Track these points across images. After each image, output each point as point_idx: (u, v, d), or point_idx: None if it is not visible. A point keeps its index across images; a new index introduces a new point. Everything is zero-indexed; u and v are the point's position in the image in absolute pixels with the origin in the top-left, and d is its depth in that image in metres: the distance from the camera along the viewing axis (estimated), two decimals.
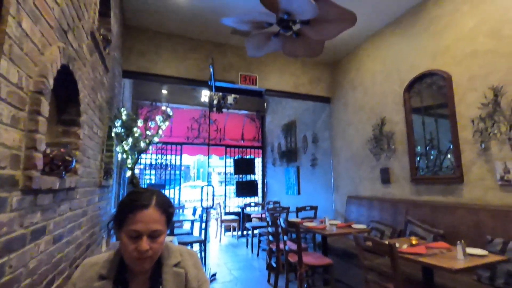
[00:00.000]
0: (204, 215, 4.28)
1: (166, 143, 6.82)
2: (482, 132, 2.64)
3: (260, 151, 8.06)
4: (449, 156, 3.00)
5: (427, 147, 3.27)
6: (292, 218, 4.54)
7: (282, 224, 3.12)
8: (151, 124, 3.26)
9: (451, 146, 2.94)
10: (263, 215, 5.84)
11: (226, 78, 4.33)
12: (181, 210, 5.98)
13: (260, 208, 6.53)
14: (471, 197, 2.75)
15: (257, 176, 7.81)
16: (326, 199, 5.12)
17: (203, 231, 4.24)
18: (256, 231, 5.14)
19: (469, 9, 2.83)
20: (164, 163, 6.85)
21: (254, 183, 7.47)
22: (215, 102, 5.16)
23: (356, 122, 4.40)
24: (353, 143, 4.44)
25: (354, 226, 3.30)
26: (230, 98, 5.38)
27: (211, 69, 3.81)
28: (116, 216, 0.89)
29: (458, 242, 1.92)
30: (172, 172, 6.95)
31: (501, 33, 2.55)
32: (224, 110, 5.49)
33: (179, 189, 7.10)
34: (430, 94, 3.27)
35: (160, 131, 3.28)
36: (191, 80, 4.19)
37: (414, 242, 2.22)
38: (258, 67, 4.57)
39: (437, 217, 2.95)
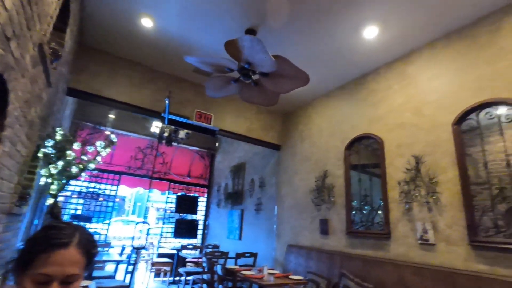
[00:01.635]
0: (134, 255, 3.83)
1: (103, 171, 6.21)
2: (406, 193, 2.98)
3: (206, 190, 7.82)
4: (379, 212, 3.27)
5: (362, 202, 3.54)
6: (231, 264, 4.33)
7: (219, 271, 2.94)
8: (89, 148, 2.98)
9: (382, 204, 3.23)
10: (200, 260, 5.46)
11: (181, 112, 4.30)
12: (106, 249, 5.27)
13: (198, 251, 6.11)
14: (396, 253, 2.97)
15: (199, 216, 7.45)
16: (267, 246, 5.04)
17: (128, 275, 3.75)
18: (190, 278, 4.73)
19: (399, 88, 3.38)
20: (96, 192, 6.15)
21: (194, 224, 7.07)
22: (165, 134, 5.01)
23: (302, 171, 4.62)
24: (298, 192, 4.61)
25: (292, 277, 3.27)
26: (182, 133, 5.28)
27: (166, 102, 3.77)
28: (22, 255, 0.72)
29: None
30: (104, 203, 6.25)
31: (422, 112, 3.06)
32: (174, 143, 5.33)
33: (109, 224, 6.35)
34: (366, 154, 3.66)
35: (98, 158, 3.01)
36: (144, 109, 4.06)
37: None
38: (215, 107, 4.66)
39: (368, 271, 3.09)
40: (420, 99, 3.12)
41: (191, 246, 6.05)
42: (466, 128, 2.66)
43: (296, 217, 4.52)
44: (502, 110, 2.46)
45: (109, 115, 5.90)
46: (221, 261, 4.57)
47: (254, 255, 4.60)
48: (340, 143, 4.00)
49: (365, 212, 3.49)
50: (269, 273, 3.27)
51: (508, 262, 2.21)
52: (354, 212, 3.59)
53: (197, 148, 7.71)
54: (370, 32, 3.07)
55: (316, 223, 4.07)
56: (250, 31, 3.10)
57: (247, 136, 4.99)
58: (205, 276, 3.33)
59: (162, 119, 4.26)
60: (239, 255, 4.43)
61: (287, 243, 4.53)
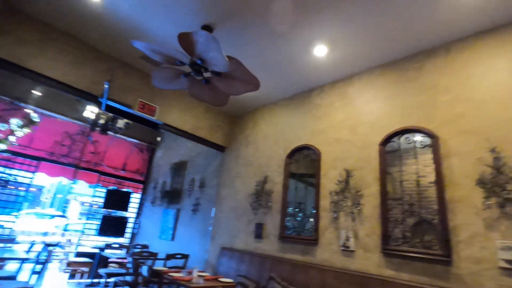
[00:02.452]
0: (44, 254, 3.37)
1: (17, 154, 5.35)
2: (336, 203, 3.23)
3: (141, 186, 7.34)
4: (311, 220, 3.48)
5: (296, 209, 3.72)
6: (159, 266, 4.11)
7: (145, 273, 2.76)
8: (1, 126, 2.54)
9: (314, 212, 3.45)
10: (125, 260, 5.06)
11: (122, 100, 3.97)
12: (9, 245, 4.53)
13: (124, 251, 5.66)
14: (322, 258, 3.19)
15: (130, 214, 6.93)
16: (200, 248, 4.93)
17: (35, 276, 3.28)
18: (111, 280, 4.34)
19: (340, 106, 3.67)
20: (4, 178, 5.25)
21: (123, 221, 6.55)
22: (101, 121, 4.56)
23: (244, 175, 4.67)
24: (238, 195, 4.63)
25: (222, 279, 3.25)
26: (121, 122, 4.88)
27: (106, 86, 3.44)
28: None
29: None
30: (14, 192, 5.38)
31: (357, 130, 3.38)
32: (110, 132, 4.89)
33: (17, 216, 5.47)
34: (305, 164, 3.87)
35: (12, 138, 2.58)
36: (79, 91, 3.63)
37: None
38: (160, 99, 4.42)
39: (295, 275, 3.24)
40: (356, 118, 3.43)
41: (117, 245, 5.59)
42: (390, 149, 3.02)
43: (233, 220, 4.52)
44: (418, 137, 2.86)
45: (33, 91, 5.13)
46: (149, 262, 4.31)
47: (185, 256, 4.45)
48: (282, 151, 4.16)
49: (298, 219, 3.68)
50: (199, 276, 3.20)
51: (409, 268, 2.55)
52: (288, 218, 3.75)
53: (136, 141, 7.20)
54: (320, 50, 3.28)
55: (252, 227, 4.14)
56: (207, 28, 3.04)
57: (193, 134, 4.85)
58: (128, 278, 3.09)
59: (98, 104, 3.87)
60: (169, 256, 4.24)
61: (221, 245, 4.50)
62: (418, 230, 2.61)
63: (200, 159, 5.89)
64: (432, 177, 2.63)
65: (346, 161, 3.34)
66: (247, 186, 4.51)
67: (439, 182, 2.56)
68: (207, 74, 2.82)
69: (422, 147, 2.80)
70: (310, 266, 3.19)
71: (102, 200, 6.42)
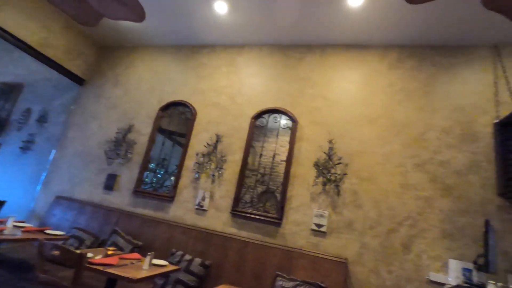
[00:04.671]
0: None
1: None
2: (200, 165, 3.29)
3: None
4: (172, 178, 3.42)
5: (159, 165, 3.56)
6: None
7: None
8: None
9: (176, 170, 3.38)
10: None
11: None
12: None
13: None
14: (174, 215, 3.22)
15: None
16: (26, 195, 3.98)
17: None
18: None
19: (226, 72, 3.66)
20: None
21: None
22: None
23: (104, 118, 4.01)
24: (91, 139, 3.95)
25: (49, 231, 2.75)
26: None
27: None
28: None
29: (148, 253, 2.09)
30: None
31: (235, 99, 3.48)
32: None
33: None
34: (178, 122, 3.70)
35: None
36: None
37: (109, 252, 2.16)
38: None
39: (144, 230, 3.14)
40: (238, 88, 3.53)
41: None
42: (259, 124, 3.30)
43: (79, 167, 3.86)
44: (283, 119, 3.24)
45: None
46: None
47: (0, 203, 3.48)
48: (156, 102, 3.81)
49: (159, 175, 3.53)
50: (16, 226, 2.58)
51: (249, 227, 2.94)
52: (148, 173, 3.54)
53: None
54: (221, 7, 3.11)
55: (102, 177, 3.67)
56: None
57: (39, 52, 3.69)
58: None
59: None
60: None
61: (57, 194, 3.79)
62: (264, 197, 3.03)
63: (46, 86, 4.62)
64: (284, 156, 3.07)
65: (220, 126, 3.42)
66: (105, 132, 3.92)
67: (289, 160, 3.02)
68: None
69: (284, 128, 3.20)
70: (161, 222, 3.16)
71: None
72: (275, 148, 3.16)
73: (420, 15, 2.69)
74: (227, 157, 3.25)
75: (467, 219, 2.46)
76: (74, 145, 4.02)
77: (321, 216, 2.77)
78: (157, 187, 3.45)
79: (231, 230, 2.98)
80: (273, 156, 3.13)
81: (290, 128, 3.15)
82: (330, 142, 2.97)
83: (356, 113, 3.03)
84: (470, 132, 2.68)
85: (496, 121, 2.61)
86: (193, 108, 3.59)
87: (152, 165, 3.59)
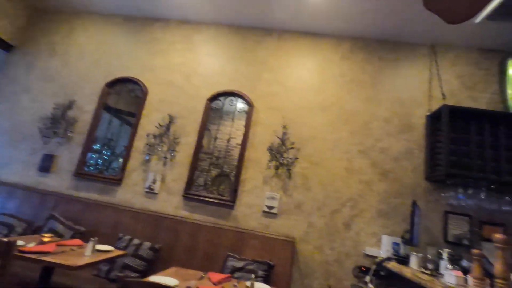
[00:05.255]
0: None
1: None
2: (151, 146, 3.13)
3: None
4: (120, 159, 3.20)
5: (105, 146, 3.30)
6: None
7: None
8: None
9: (125, 151, 3.18)
10: None
11: None
12: None
13: None
14: (122, 198, 3.05)
15: None
16: None
17: None
18: None
19: (181, 49, 3.47)
20: None
21: None
22: None
23: (38, 92, 3.55)
24: (22, 115, 3.48)
25: None
26: None
27: None
28: None
29: (91, 239, 1.97)
30: None
31: (191, 79, 3.34)
32: None
33: None
34: (127, 100, 3.44)
35: None
36: None
37: (45, 239, 1.98)
38: None
39: (87, 215, 2.93)
40: (193, 67, 3.38)
41: None
42: (215, 106, 3.23)
43: (7, 145, 3.40)
44: (240, 103, 3.22)
45: None
46: None
47: None
48: (102, 77, 3.48)
49: (105, 157, 3.29)
50: None
51: (202, 209, 2.93)
52: (92, 154, 3.27)
53: None
54: None
55: (37, 158, 3.29)
56: None
57: None
58: None
59: None
60: None
61: None
62: (218, 180, 3.02)
63: None
64: (240, 139, 3.07)
65: (173, 107, 3.27)
66: (40, 107, 3.48)
67: (244, 144, 3.04)
68: None
69: (240, 112, 3.19)
70: (107, 206, 2.97)
71: None
72: (230, 131, 3.14)
73: (371, 9, 2.83)
74: (181, 139, 3.15)
75: (399, 200, 2.76)
76: (1, 120, 3.51)
77: (273, 198, 2.87)
78: (103, 169, 3.22)
79: (183, 213, 2.94)
80: (228, 140, 3.11)
81: (246, 112, 3.15)
82: (284, 127, 3.05)
83: (310, 100, 3.13)
84: (407, 122, 2.97)
85: (428, 114, 2.93)
86: (144, 85, 3.36)
87: (97, 146, 3.32)
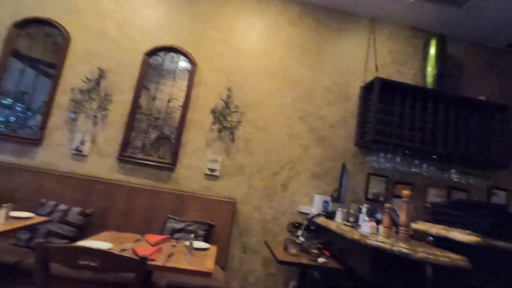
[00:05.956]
0: None
1: None
2: (78, 103, 2.77)
3: None
4: (39, 116, 2.78)
5: (17, 100, 2.80)
6: None
7: None
8: None
9: (44, 107, 2.76)
10: None
11: None
12: None
13: None
14: (44, 161, 2.70)
15: None
16: None
17: None
18: None
19: None
20: None
21: None
22: None
23: None
24: None
25: None
26: None
27: None
28: None
29: (4, 205, 1.73)
30: None
31: (125, 29, 2.95)
32: None
33: None
34: (43, 46, 2.90)
35: None
36: None
37: None
38: None
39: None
40: (129, 17, 2.98)
41: None
42: (154, 62, 2.95)
43: None
44: (182, 61, 2.99)
45: None
46: None
47: None
48: (7, 16, 2.83)
49: (18, 114, 2.81)
50: None
51: (139, 173, 2.79)
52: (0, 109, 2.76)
53: None
54: None
55: None
56: None
57: None
58: None
59: None
60: None
61: None
62: (157, 142, 2.87)
63: None
64: (181, 100, 2.91)
65: (104, 60, 2.88)
66: None
67: (186, 105, 2.89)
68: None
69: (182, 71, 2.98)
70: (24, 169, 2.60)
71: None
72: (171, 91, 2.94)
73: None
74: (114, 96, 2.84)
75: (332, 163, 3.02)
76: None
77: (215, 161, 2.87)
78: (17, 127, 2.76)
79: (119, 176, 2.76)
80: (169, 100, 2.92)
81: (189, 71, 2.96)
82: (229, 90, 2.97)
83: (256, 64, 3.08)
84: (345, 92, 3.17)
85: (363, 85, 3.15)
86: (66, 30, 2.86)
87: (8, 101, 2.80)
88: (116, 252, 1.27)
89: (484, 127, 2.99)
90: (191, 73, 2.94)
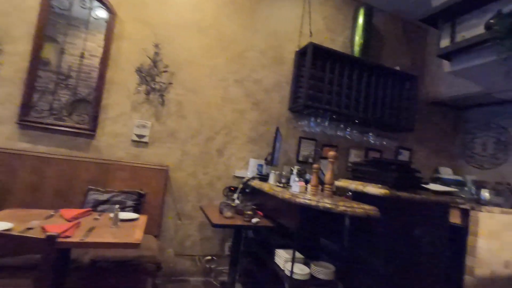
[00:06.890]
0: None
1: None
2: None
3: None
4: None
5: None
6: None
7: None
8: None
9: None
10: None
11: None
12: None
13: None
14: None
15: None
16: None
17: None
18: None
19: None
20: None
21: None
22: None
23: None
24: None
25: None
26: None
27: None
28: None
29: None
30: None
31: None
32: None
33: None
34: None
35: None
36: None
37: None
38: None
39: None
40: None
41: None
42: (58, 6, 2.40)
43: None
44: (97, 8, 2.50)
45: None
46: None
47: None
48: None
49: None
50: None
51: (49, 140, 2.38)
52: None
53: None
54: None
55: None
56: None
57: None
58: None
59: None
60: None
61: None
62: (70, 105, 2.45)
63: None
64: (99, 56, 2.49)
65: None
66: None
67: (104, 62, 2.49)
68: None
69: (98, 20, 2.51)
70: None
71: None
72: (85, 45, 2.49)
73: None
74: (3, 46, 2.27)
75: (266, 127, 3.07)
76: None
77: (144, 126, 2.62)
78: None
79: (22, 145, 2.31)
80: (82, 55, 2.48)
81: (107, 22, 2.52)
82: (157, 46, 2.65)
83: (186, 18, 2.79)
84: (279, 56, 3.14)
85: (297, 49, 3.17)
86: None
87: None
88: (14, 233, 1.07)
89: (396, 95, 3.36)
90: (109, 24, 2.51)
